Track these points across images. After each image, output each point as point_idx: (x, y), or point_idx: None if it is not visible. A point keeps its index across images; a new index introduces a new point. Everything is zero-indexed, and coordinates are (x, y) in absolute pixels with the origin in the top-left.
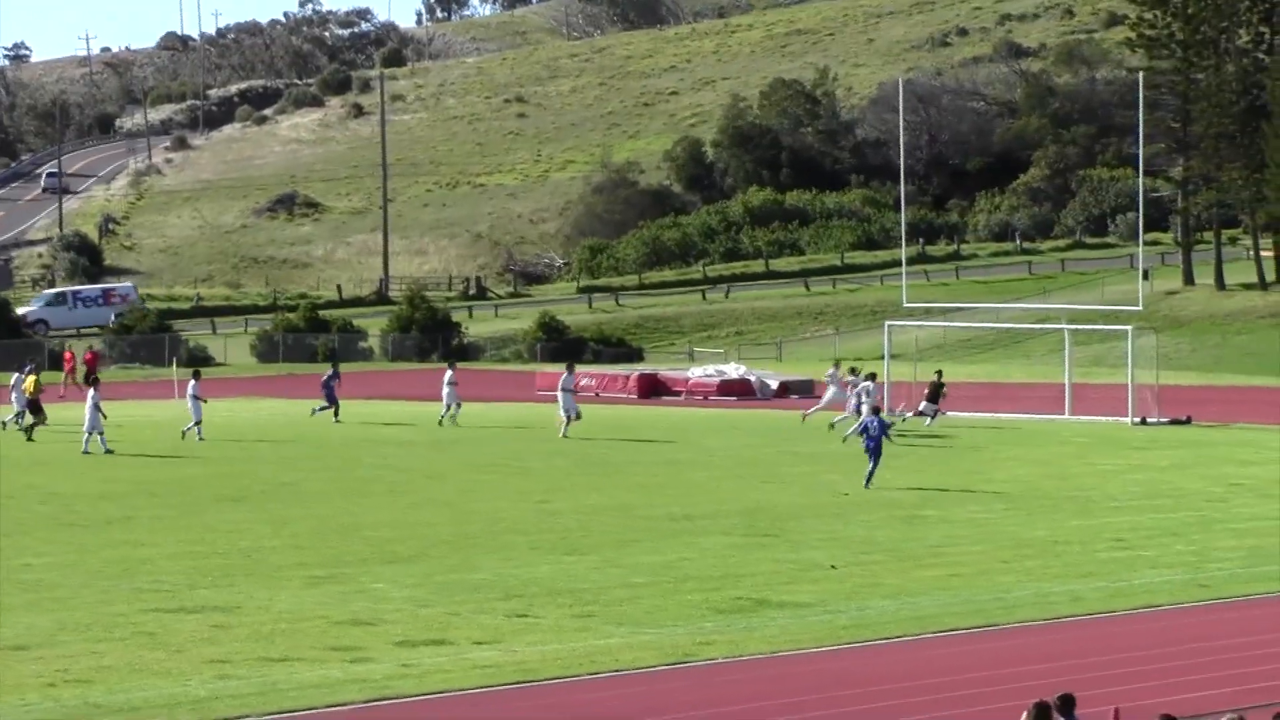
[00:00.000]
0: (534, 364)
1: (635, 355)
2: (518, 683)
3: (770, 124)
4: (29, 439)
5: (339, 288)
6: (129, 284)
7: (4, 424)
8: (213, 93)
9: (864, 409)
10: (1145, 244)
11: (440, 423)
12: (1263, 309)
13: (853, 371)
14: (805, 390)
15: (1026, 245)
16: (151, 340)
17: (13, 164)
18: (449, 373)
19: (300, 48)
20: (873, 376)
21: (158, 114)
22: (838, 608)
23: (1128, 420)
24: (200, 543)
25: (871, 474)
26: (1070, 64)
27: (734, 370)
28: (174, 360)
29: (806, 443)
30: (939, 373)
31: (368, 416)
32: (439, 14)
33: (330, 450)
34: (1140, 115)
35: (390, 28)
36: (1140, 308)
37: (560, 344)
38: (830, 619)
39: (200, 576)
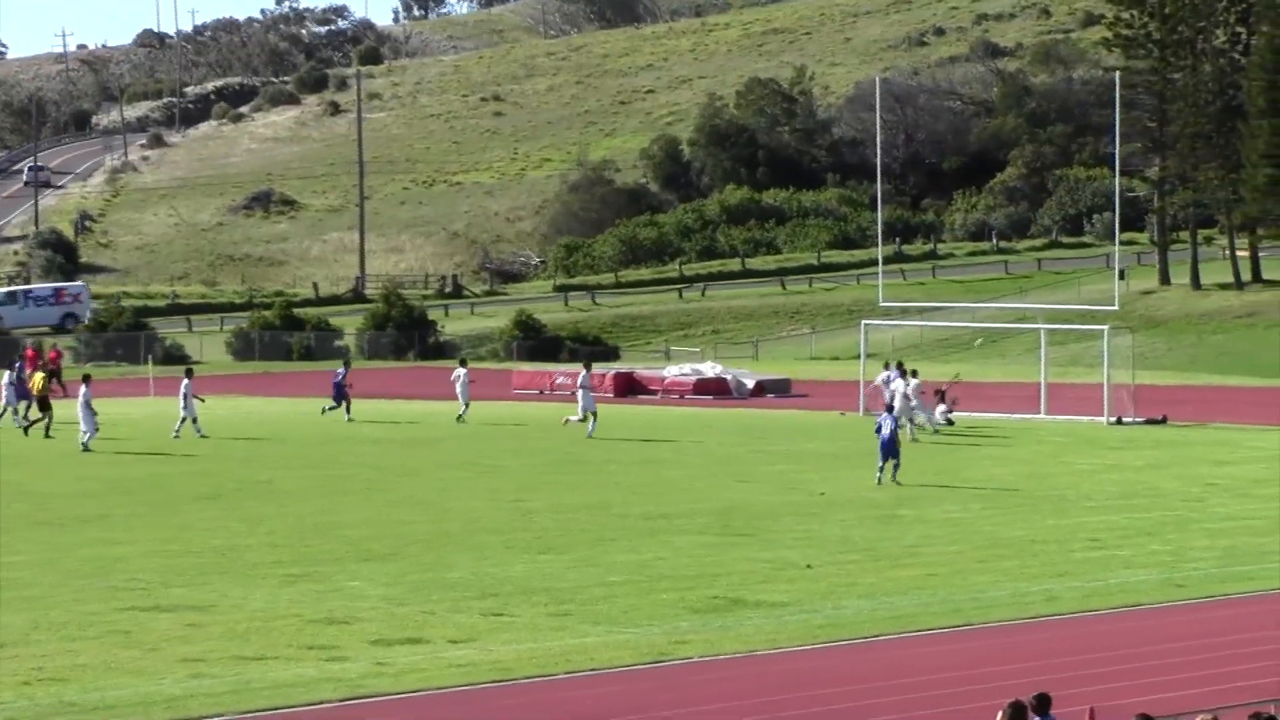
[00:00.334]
0: (510, 363)
1: (611, 354)
2: (493, 682)
3: (747, 123)
4: (27, 434)
5: (315, 285)
6: (80, 284)
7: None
8: (189, 90)
9: (896, 403)
10: (1121, 244)
11: (460, 419)
12: (1238, 309)
13: (896, 367)
14: (782, 389)
15: (1003, 245)
16: (127, 338)
17: None
18: (461, 371)
19: (277, 45)
20: (903, 369)
21: (134, 111)
22: (813, 607)
23: (1104, 420)
24: (175, 541)
25: (882, 470)
26: (1047, 63)
27: (710, 369)
28: (149, 358)
29: (782, 442)
30: (914, 372)
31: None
32: (415, 12)
33: (306, 448)
34: (1117, 115)
35: (367, 26)
36: (1116, 307)
37: (536, 342)
38: (806, 618)
39: (175, 575)
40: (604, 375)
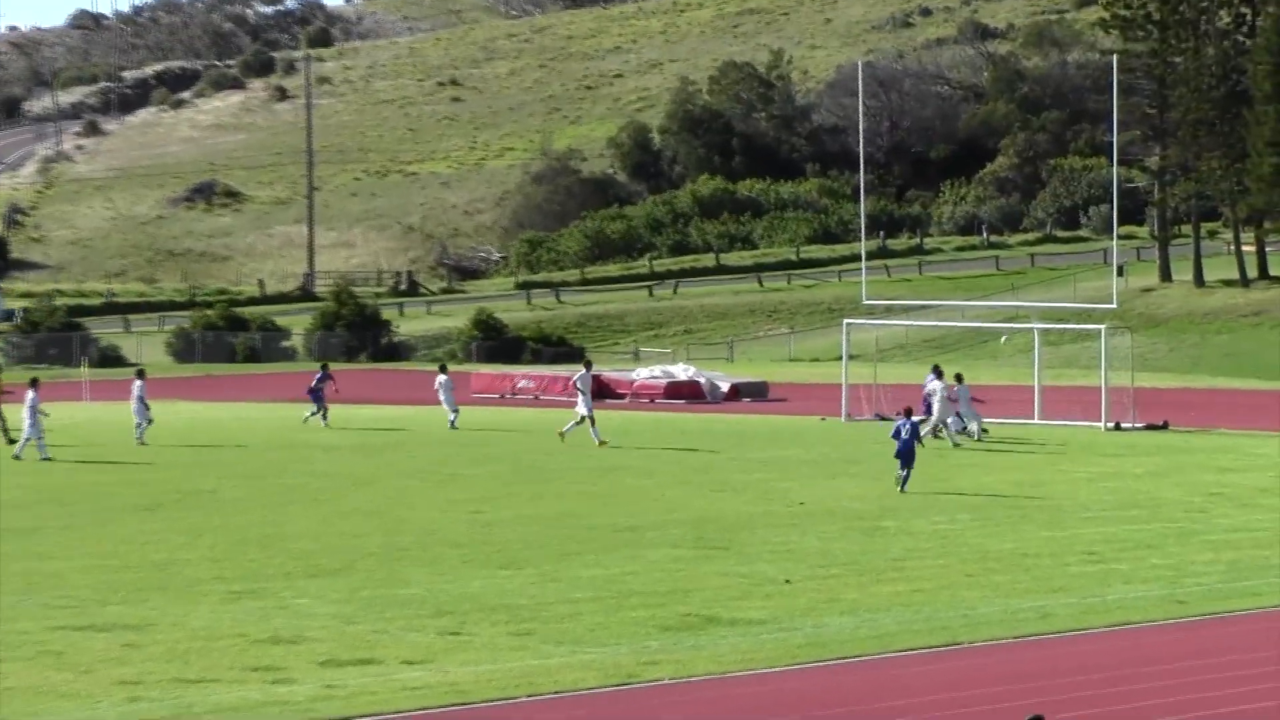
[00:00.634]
0: (469, 364)
1: (577, 355)
2: (450, 705)
3: (721, 109)
4: None
5: (260, 283)
6: None
7: None
8: (127, 74)
9: (934, 408)
10: (1120, 238)
11: (454, 426)
12: (1244, 307)
13: (941, 374)
14: (758, 393)
15: (994, 239)
16: (59, 339)
17: None
18: (443, 377)
19: (220, 27)
20: (939, 373)
21: (68, 97)
22: (792, 625)
23: (1101, 425)
24: (112, 555)
25: (904, 479)
26: (1040, 46)
27: (682, 371)
28: (84, 360)
29: (759, 449)
30: (959, 376)
31: (290, 420)
32: None
33: (251, 456)
34: (1114, 100)
35: (316, 6)
36: (1114, 305)
37: (497, 343)
38: (784, 637)
39: (111, 591)
40: (568, 379)
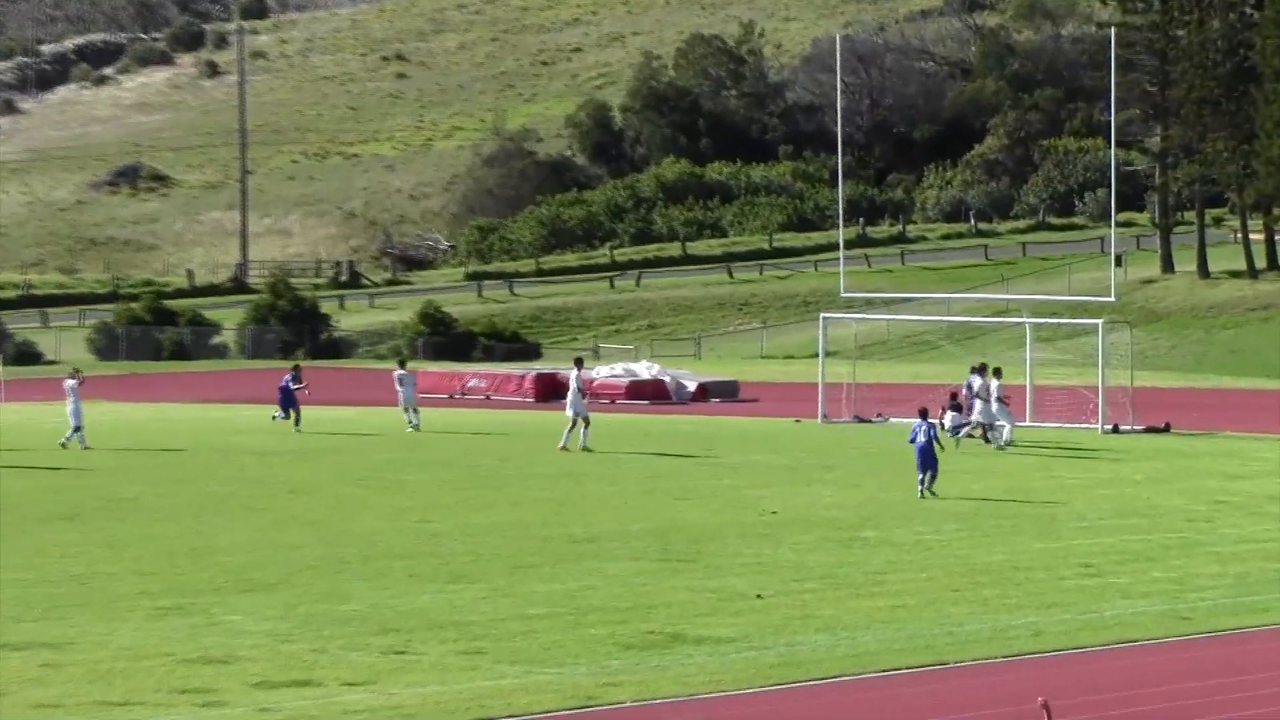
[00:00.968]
0: (416, 362)
1: (532, 352)
2: None
3: (688, 86)
4: None
5: (190, 274)
6: None
7: None
8: (45, 49)
9: (976, 408)
10: (1118, 225)
11: (418, 428)
12: (1252, 300)
13: (979, 370)
14: (728, 393)
15: (982, 226)
16: None
17: None
18: (400, 371)
19: None
20: (987, 369)
21: None
22: (764, 643)
23: (1098, 427)
24: (27, 568)
25: (923, 481)
26: (1032, 19)
27: (646, 369)
28: None
29: (729, 453)
30: (998, 371)
31: (223, 423)
32: None
33: (180, 461)
34: (1112, 78)
35: None
36: (1113, 298)
37: (445, 339)
38: (755, 656)
39: (27, 608)
40: (523, 377)
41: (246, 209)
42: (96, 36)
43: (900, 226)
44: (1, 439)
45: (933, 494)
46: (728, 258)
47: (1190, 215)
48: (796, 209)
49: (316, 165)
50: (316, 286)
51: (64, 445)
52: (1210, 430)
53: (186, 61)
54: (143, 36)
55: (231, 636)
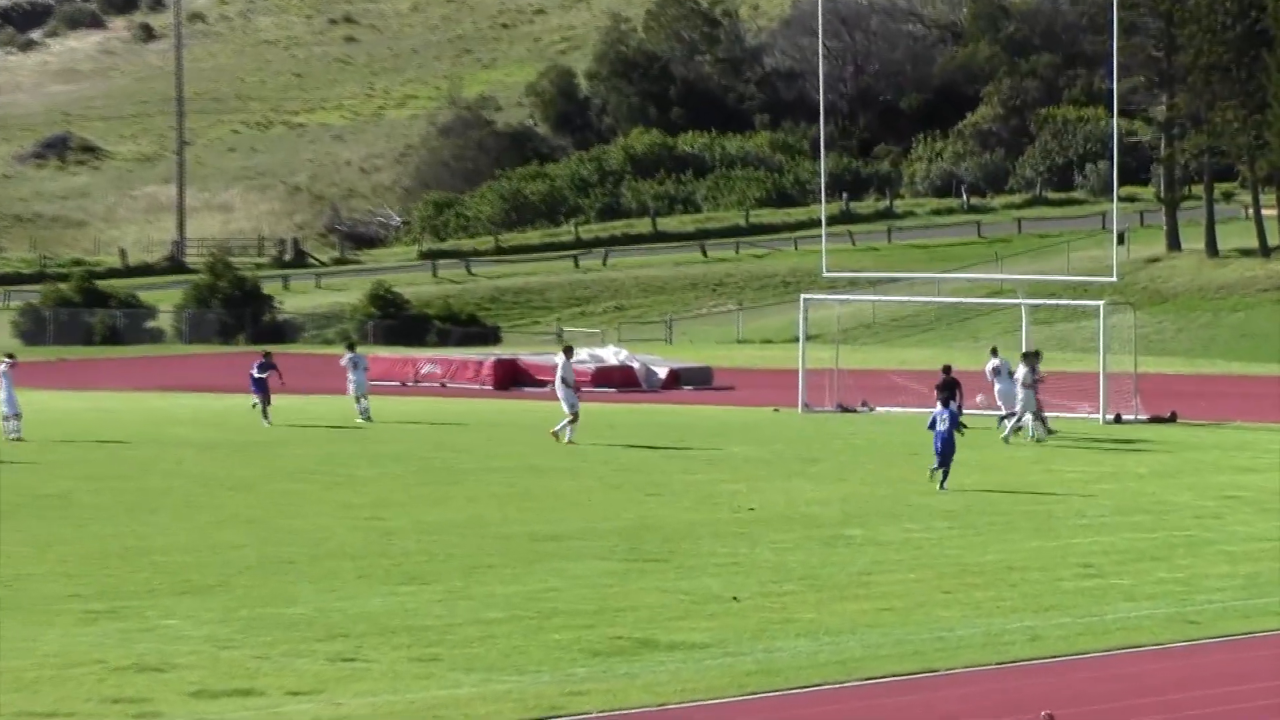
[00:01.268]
0: (366, 347)
1: (490, 336)
2: None
3: (658, 51)
4: None
5: (123, 252)
6: None
7: None
8: None
9: (1020, 397)
10: (1120, 200)
11: (369, 418)
12: (1264, 280)
13: (1037, 359)
14: (702, 380)
15: (974, 202)
16: None
17: None
18: (351, 354)
19: None
20: (1035, 356)
21: None
22: (740, 649)
23: (1099, 417)
24: None
25: (942, 474)
26: None
27: (613, 355)
28: None
29: (702, 444)
30: (947, 368)
31: (158, 413)
32: None
33: (112, 454)
34: (1114, 42)
35: None
36: (1115, 278)
37: (397, 322)
38: (731, 663)
39: None
40: (481, 363)
41: (184, 183)
42: None
43: (886, 202)
44: None
45: (941, 489)
46: (701, 235)
47: (1198, 189)
48: (775, 183)
49: (259, 136)
50: (259, 266)
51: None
52: (1219, 420)
53: (119, 25)
54: None
55: (168, 642)
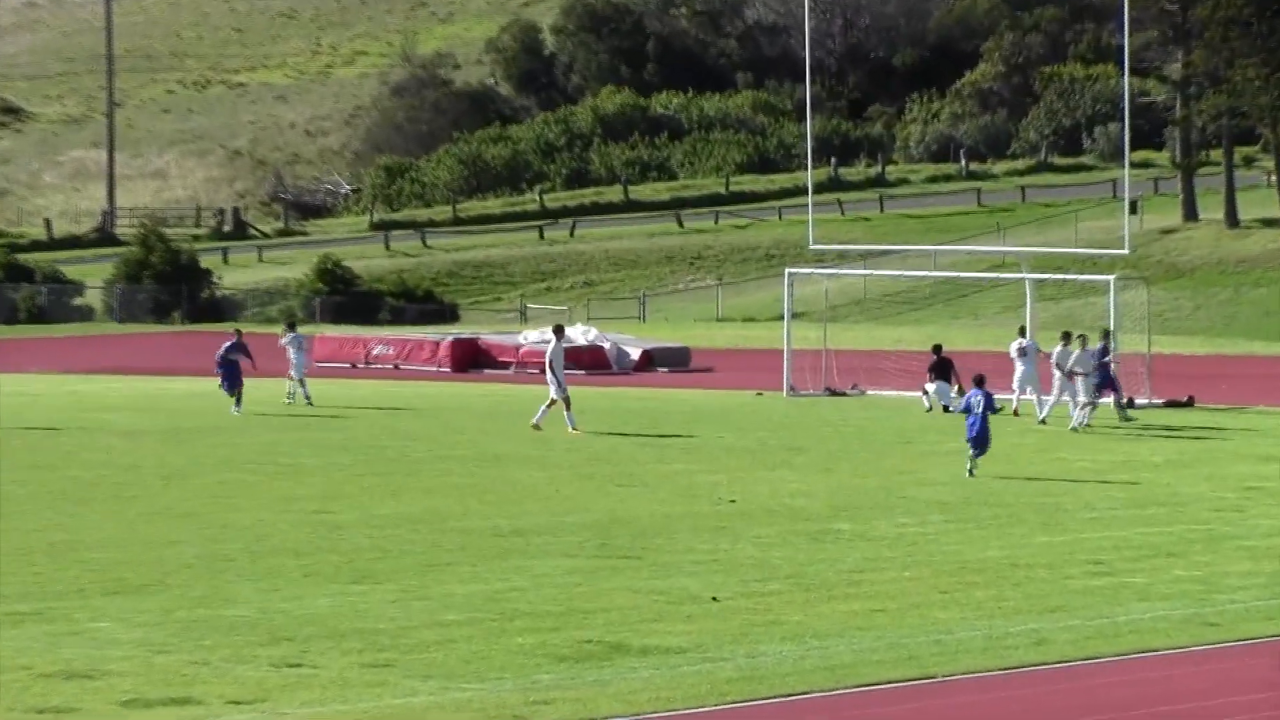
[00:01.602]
0: (313, 325)
1: (447, 314)
2: None
3: (630, 3)
4: None
5: (47, 223)
6: None
7: None
8: None
9: (1054, 376)
10: (1133, 166)
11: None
12: None
13: (1111, 342)
14: (677, 361)
15: (974, 168)
16: None
17: None
18: (290, 334)
19: None
20: (1077, 337)
21: None
22: (720, 654)
23: (1109, 401)
24: None
25: (971, 459)
26: None
27: (581, 334)
28: None
29: (679, 431)
30: (937, 347)
31: (87, 397)
32: None
33: (36, 441)
34: None
35: None
36: (1126, 251)
37: (347, 298)
38: (710, 669)
39: None
40: (438, 344)
41: (114, 147)
42: None
43: (878, 168)
44: None
45: (970, 475)
46: (677, 204)
47: (1216, 154)
48: (757, 147)
49: (196, 96)
50: (196, 238)
51: None
52: (1240, 404)
53: None
54: None
55: (98, 647)
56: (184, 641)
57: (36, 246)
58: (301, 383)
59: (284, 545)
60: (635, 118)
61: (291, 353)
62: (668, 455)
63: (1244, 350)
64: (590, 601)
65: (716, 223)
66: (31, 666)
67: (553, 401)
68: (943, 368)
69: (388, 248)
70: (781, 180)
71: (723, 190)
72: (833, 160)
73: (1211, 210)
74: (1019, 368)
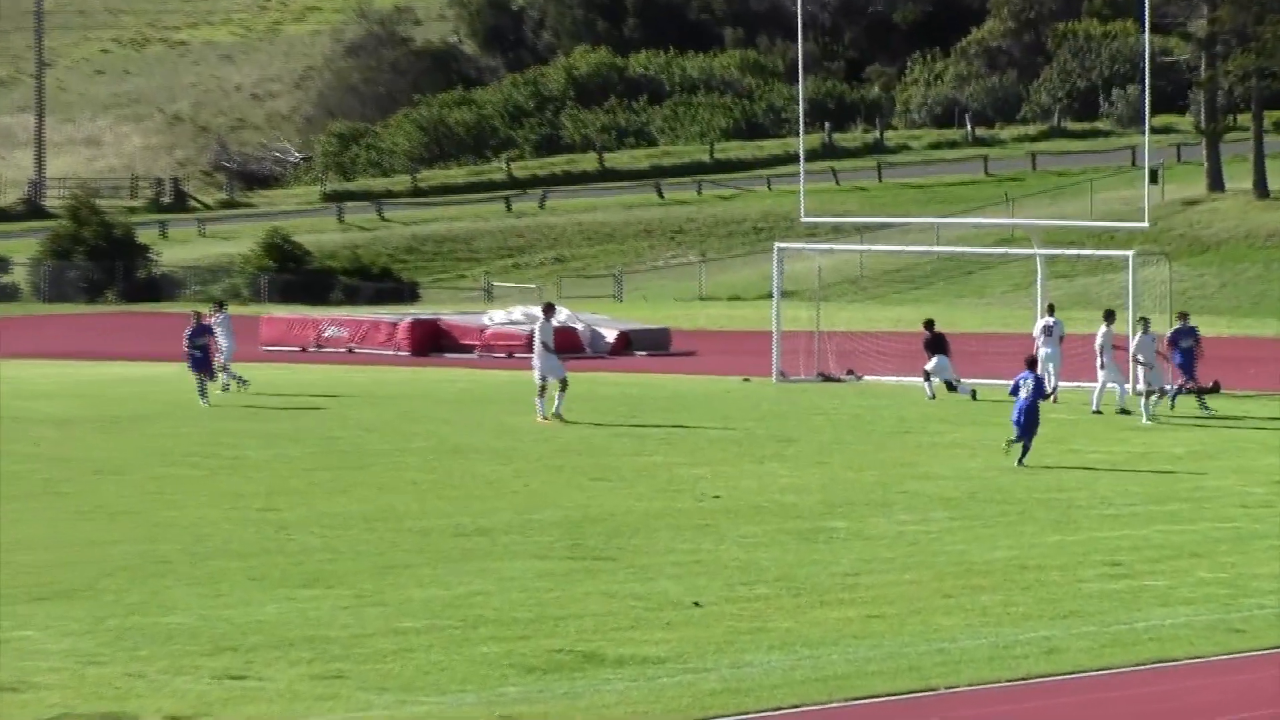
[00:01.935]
0: (258, 305)
1: (407, 293)
2: None
3: None
4: None
5: None
6: None
7: None
8: None
9: (1105, 366)
10: (1153, 131)
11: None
12: None
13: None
14: (657, 344)
15: (981, 133)
16: None
17: None
18: (220, 315)
19: None
20: (1146, 322)
21: None
22: (703, 664)
23: (1128, 387)
24: None
25: (1022, 449)
26: None
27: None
28: None
29: (658, 420)
30: (929, 323)
31: (12, 384)
32: None
33: None
34: None
35: None
36: (1146, 224)
37: (296, 276)
38: (692, 680)
39: None
40: (395, 325)
41: (43, 112)
42: None
43: (876, 133)
44: None
45: (1019, 464)
46: (657, 173)
47: (1244, 119)
48: (745, 111)
49: (133, 56)
50: (132, 210)
51: None
52: (1270, 390)
53: None
54: None
55: (24, 657)
56: (118, 652)
57: None
58: (225, 368)
59: (227, 546)
60: (611, 79)
61: (220, 335)
62: (646, 446)
63: (1274, 331)
64: (561, 607)
65: (700, 193)
66: None
67: (561, 384)
68: (938, 342)
69: (341, 221)
70: (771, 147)
71: (706, 158)
72: (827, 125)
73: (1239, 180)
74: (1043, 350)
